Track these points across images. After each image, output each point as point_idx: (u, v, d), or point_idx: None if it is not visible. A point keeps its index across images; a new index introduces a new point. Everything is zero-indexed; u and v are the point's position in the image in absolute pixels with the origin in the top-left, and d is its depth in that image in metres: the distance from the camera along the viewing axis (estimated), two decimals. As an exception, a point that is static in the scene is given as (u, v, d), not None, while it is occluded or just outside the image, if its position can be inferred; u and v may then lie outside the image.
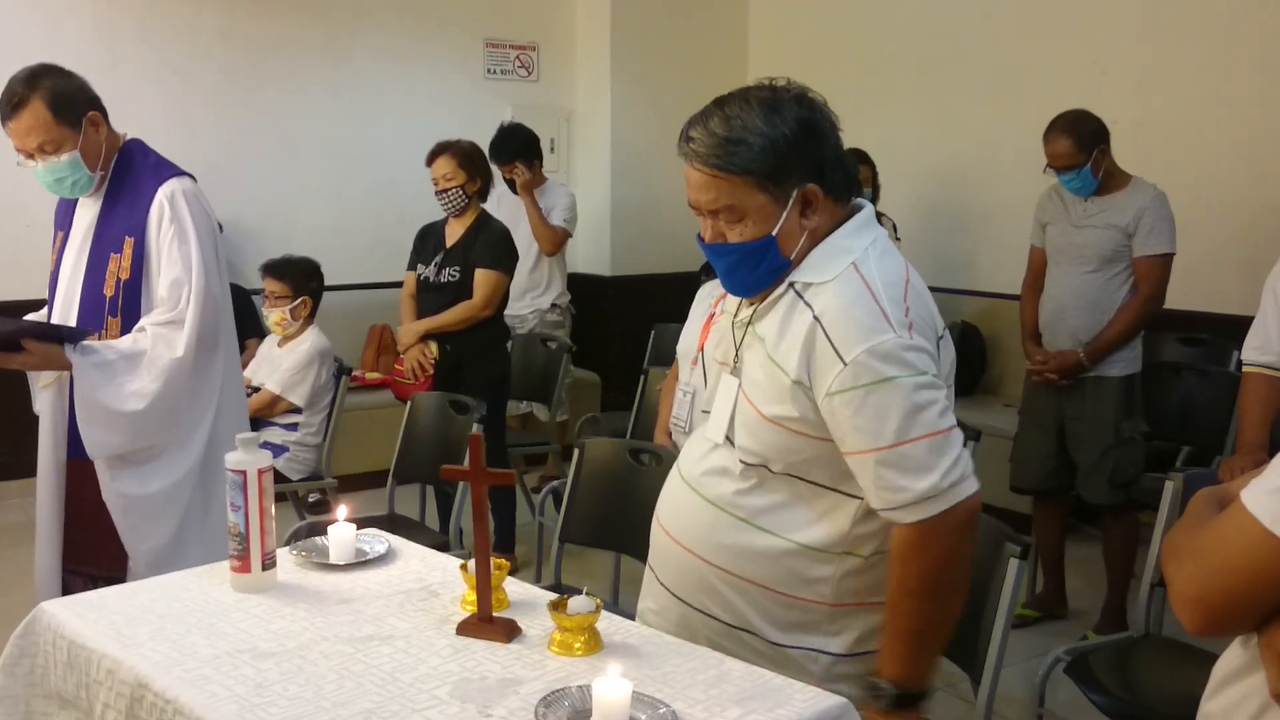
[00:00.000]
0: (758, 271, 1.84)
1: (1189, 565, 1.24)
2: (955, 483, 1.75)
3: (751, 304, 1.92)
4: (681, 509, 1.96)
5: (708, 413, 2.01)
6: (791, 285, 1.84)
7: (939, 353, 1.83)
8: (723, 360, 1.98)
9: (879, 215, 3.05)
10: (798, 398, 1.79)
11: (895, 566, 1.80)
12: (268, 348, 4.60)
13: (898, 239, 4.92)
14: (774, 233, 1.80)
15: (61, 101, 2.67)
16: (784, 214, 1.80)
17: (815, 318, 1.78)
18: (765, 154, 1.76)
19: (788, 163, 1.77)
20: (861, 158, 4.84)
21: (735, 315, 1.96)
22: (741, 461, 1.86)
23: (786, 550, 1.85)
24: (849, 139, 1.96)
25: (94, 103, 2.75)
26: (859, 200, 1.91)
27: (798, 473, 1.84)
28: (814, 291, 1.81)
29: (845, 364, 1.73)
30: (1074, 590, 4.24)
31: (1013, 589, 2.16)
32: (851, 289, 1.78)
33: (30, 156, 2.69)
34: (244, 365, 4.01)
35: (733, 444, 1.88)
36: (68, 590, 2.81)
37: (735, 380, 1.91)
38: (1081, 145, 3.82)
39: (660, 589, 2.01)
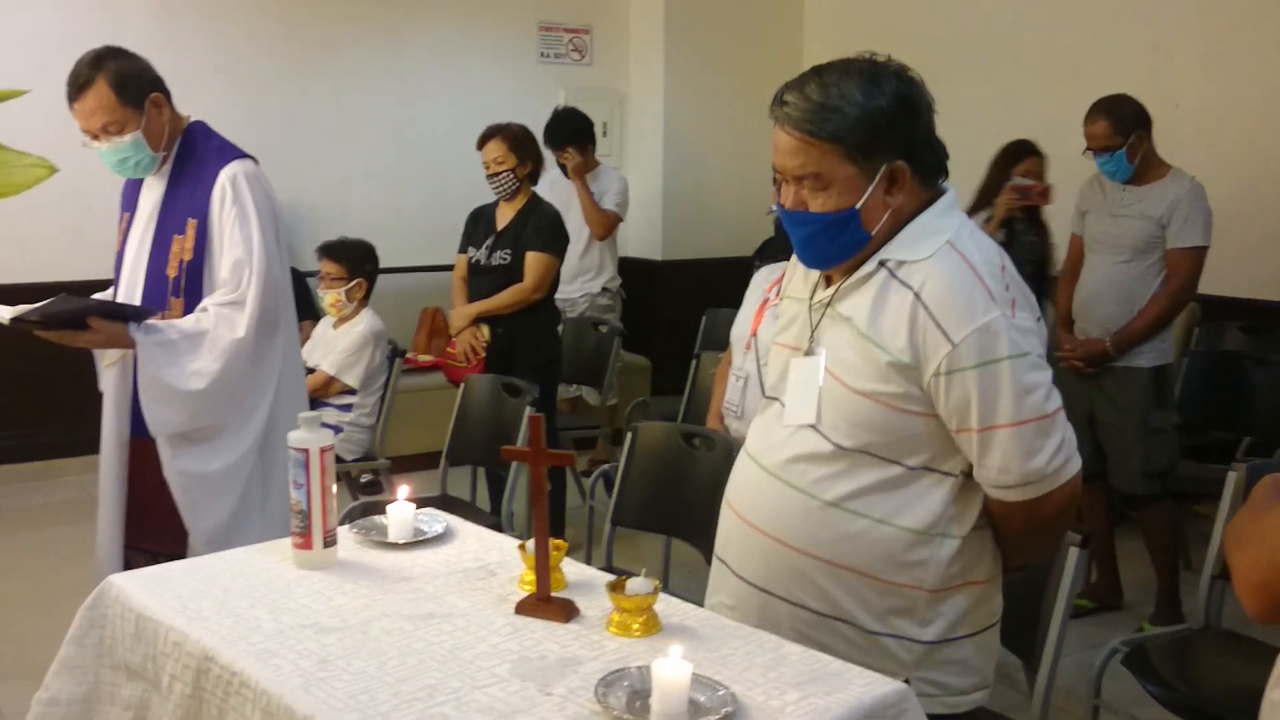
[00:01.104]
0: (837, 243, 1.82)
1: (1252, 551, 1.24)
2: (1060, 466, 1.78)
3: (832, 284, 1.89)
4: (765, 498, 1.91)
5: (775, 399, 1.96)
6: (883, 264, 1.81)
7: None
8: (794, 345, 1.93)
9: None
10: (896, 376, 1.77)
11: (997, 528, 1.87)
12: (323, 329, 4.64)
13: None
14: (858, 205, 1.78)
15: (125, 82, 2.71)
16: (870, 188, 1.78)
17: (916, 295, 1.76)
18: (859, 124, 1.74)
19: (880, 136, 1.76)
20: (1030, 149, 4.52)
21: (811, 298, 1.92)
22: (833, 444, 1.83)
23: (884, 534, 1.81)
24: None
25: (157, 84, 2.79)
26: (944, 184, 1.88)
27: (890, 455, 1.81)
28: (909, 270, 1.79)
29: (954, 344, 1.73)
30: (1128, 581, 4.19)
31: (1072, 578, 2.15)
32: (952, 266, 1.77)
33: (95, 137, 2.73)
34: (299, 346, 4.06)
35: (818, 428, 1.84)
36: (129, 566, 2.86)
37: (817, 360, 1.86)
38: (1118, 127, 3.79)
39: (737, 582, 1.96)
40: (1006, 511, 1.83)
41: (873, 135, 1.75)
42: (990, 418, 1.74)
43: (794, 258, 2.00)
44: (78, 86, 2.70)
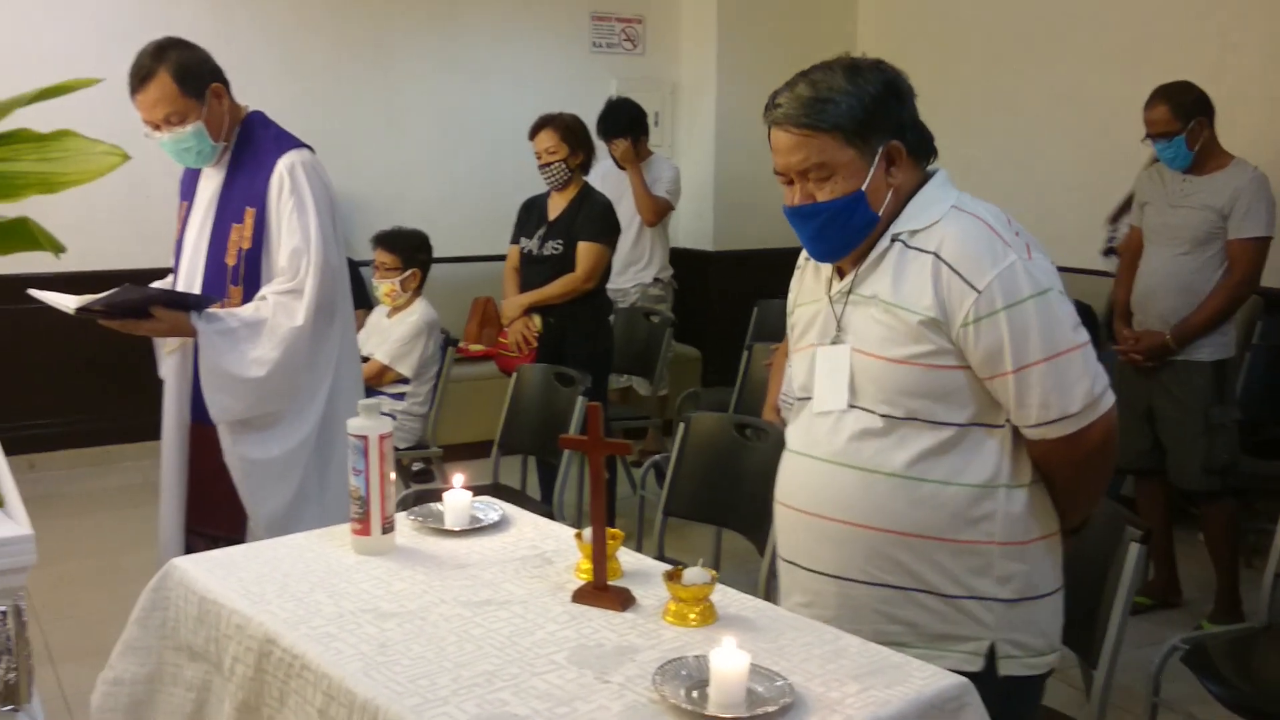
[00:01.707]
0: (849, 228, 1.88)
1: None
2: (1099, 395, 1.84)
3: (848, 273, 1.94)
4: (826, 485, 1.93)
5: (806, 399, 2.00)
6: (896, 239, 1.88)
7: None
8: (819, 340, 1.98)
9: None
10: (928, 334, 1.82)
11: (1046, 478, 1.90)
12: (377, 318, 4.68)
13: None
14: (863, 188, 1.85)
15: (186, 73, 2.74)
16: (871, 169, 1.85)
17: (935, 255, 1.83)
18: (852, 110, 1.83)
19: (874, 118, 1.84)
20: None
21: (829, 291, 1.97)
22: (881, 416, 1.87)
23: (949, 494, 1.85)
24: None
25: (217, 74, 2.82)
26: (934, 166, 1.96)
27: (938, 417, 1.85)
28: (923, 236, 1.86)
29: (979, 291, 1.79)
30: (1186, 578, 4.13)
31: (1132, 575, 2.12)
32: (964, 223, 1.85)
33: (157, 128, 2.77)
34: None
35: (862, 405, 1.88)
36: (189, 550, 2.90)
37: (842, 347, 1.92)
38: (1178, 113, 3.72)
39: (809, 577, 1.97)
40: (1051, 453, 1.86)
41: (867, 118, 1.83)
42: (1024, 356, 1.79)
43: (799, 265, 2.11)
44: (140, 78, 2.73)
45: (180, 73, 2.73)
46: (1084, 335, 1.84)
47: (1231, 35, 4.98)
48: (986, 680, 1.80)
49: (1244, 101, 3.86)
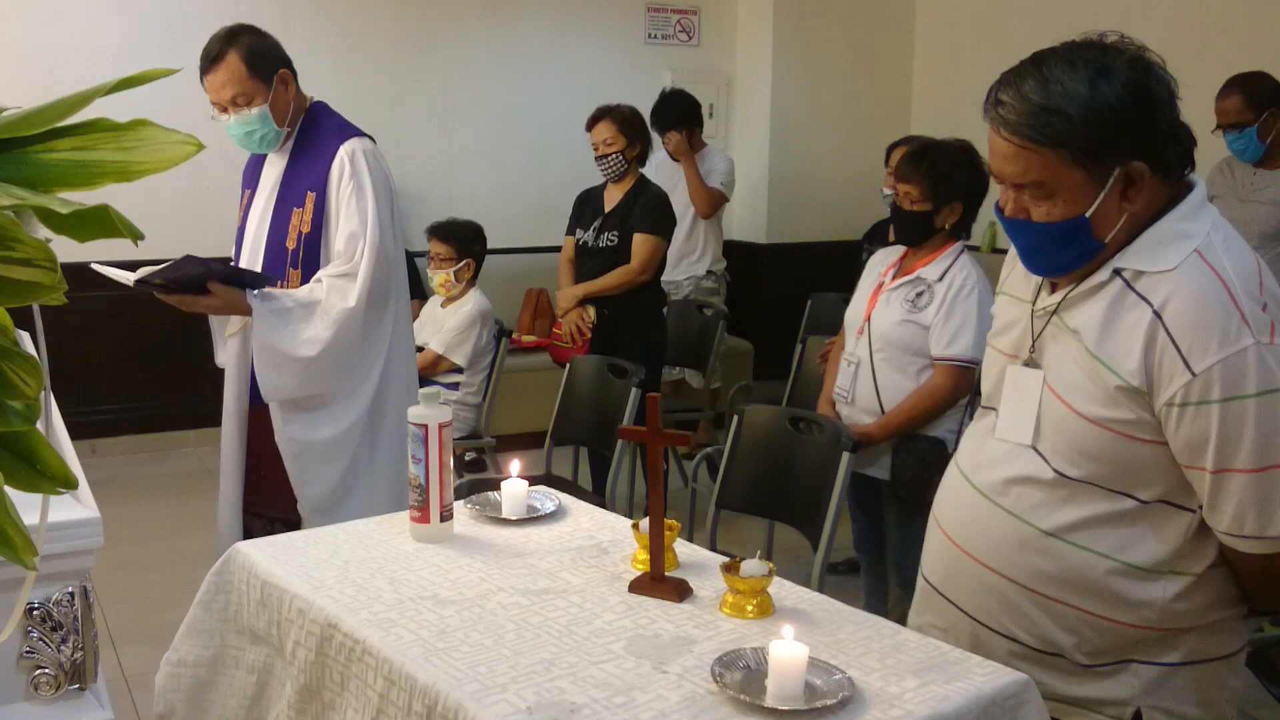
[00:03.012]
0: (1066, 253, 1.64)
1: None
2: None
3: (1057, 291, 1.72)
4: (975, 521, 1.77)
5: (991, 409, 1.82)
6: (1118, 274, 1.62)
7: None
8: (1013, 352, 1.78)
9: None
10: (1127, 401, 1.60)
11: (1236, 573, 1.67)
12: (431, 308, 4.71)
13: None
14: (1088, 214, 1.59)
15: (256, 56, 2.80)
16: (1101, 194, 1.58)
17: (1156, 314, 1.57)
18: (1086, 126, 1.54)
19: (1112, 137, 1.56)
20: (1277, 97, 3.81)
21: (1034, 302, 1.76)
22: (1054, 470, 1.67)
23: (1108, 569, 1.65)
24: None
25: (285, 61, 2.87)
26: (1191, 177, 1.67)
27: (1119, 487, 1.64)
28: (1149, 282, 1.60)
29: (1194, 375, 1.54)
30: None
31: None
32: (1200, 283, 1.56)
33: (224, 110, 2.82)
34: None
35: (1038, 449, 1.70)
36: (248, 531, 2.95)
37: (1037, 374, 1.71)
38: (1251, 103, 3.66)
39: (945, 605, 1.83)
40: (1239, 561, 1.64)
41: (1102, 137, 1.56)
42: (1228, 459, 1.55)
43: (1012, 249, 1.83)
44: (210, 59, 2.79)
45: (250, 55, 2.79)
46: None
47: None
48: None
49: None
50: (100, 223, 0.92)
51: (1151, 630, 1.67)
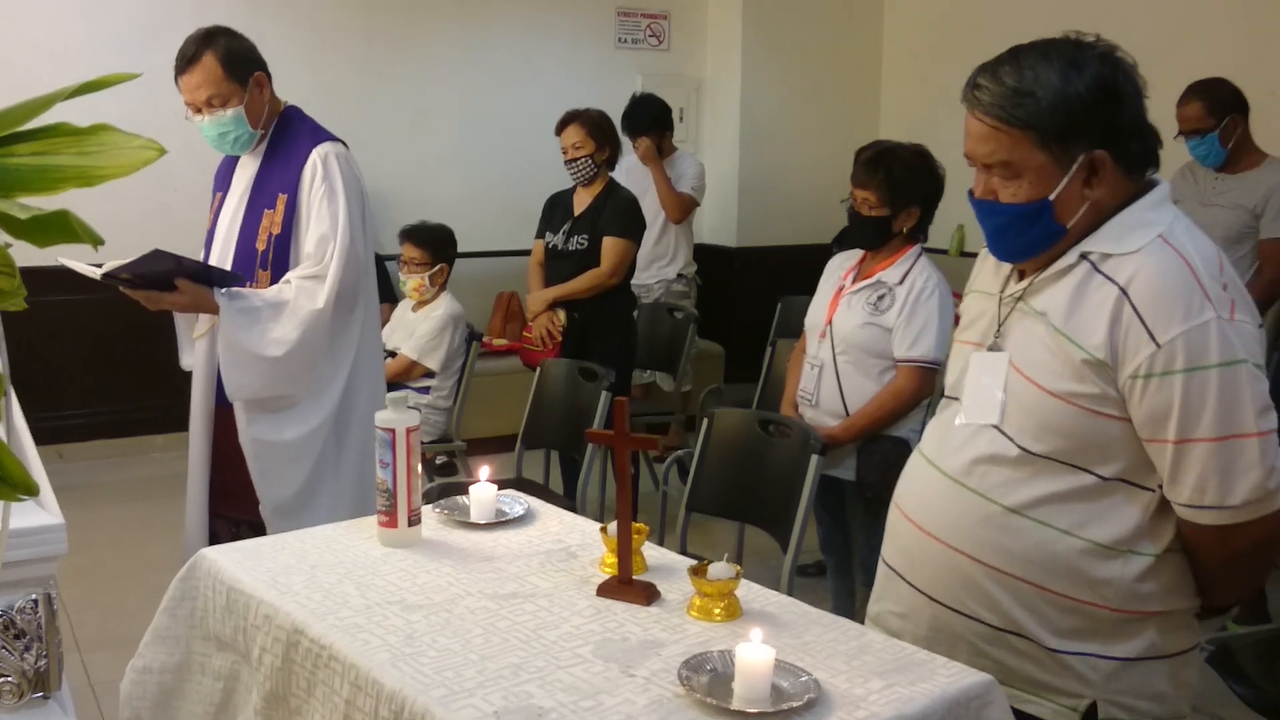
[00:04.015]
0: (1028, 236, 1.71)
1: None
2: (1264, 496, 1.62)
3: (1025, 278, 1.78)
4: (940, 502, 1.80)
5: (954, 399, 1.86)
6: (1085, 257, 1.70)
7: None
8: (978, 341, 1.83)
9: None
10: (1091, 376, 1.65)
11: (1188, 554, 1.72)
12: (402, 312, 4.70)
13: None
14: (1050, 197, 1.67)
15: (232, 58, 2.79)
16: (1065, 178, 1.67)
17: (1122, 291, 1.64)
18: (1054, 111, 1.64)
19: (1078, 123, 1.65)
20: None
21: (1002, 291, 1.82)
22: (1019, 447, 1.72)
23: (1069, 546, 1.69)
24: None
25: (261, 64, 2.87)
26: (1155, 177, 1.76)
27: (1081, 462, 1.69)
28: (1115, 263, 1.67)
29: (1159, 346, 1.60)
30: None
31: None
32: (1165, 262, 1.63)
33: (198, 110, 2.81)
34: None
35: (1002, 428, 1.74)
36: (213, 533, 2.94)
37: (1003, 356, 1.76)
38: (1212, 109, 3.70)
39: (907, 589, 1.85)
40: (1197, 536, 1.68)
41: (1069, 123, 1.64)
42: (1190, 429, 1.60)
43: (983, 250, 1.91)
44: (186, 60, 2.79)
45: (226, 57, 2.79)
46: (1271, 422, 1.62)
47: (1262, 31, 4.94)
48: None
49: (1273, 98, 3.83)
50: (60, 228, 0.91)
51: (1111, 611, 1.71)
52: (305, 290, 2.80)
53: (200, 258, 3.05)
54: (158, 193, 5.39)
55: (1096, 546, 1.69)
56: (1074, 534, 1.70)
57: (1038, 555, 1.71)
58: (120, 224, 5.25)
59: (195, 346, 2.95)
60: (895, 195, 3.18)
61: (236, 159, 2.97)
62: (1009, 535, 1.72)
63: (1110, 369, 1.65)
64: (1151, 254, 1.65)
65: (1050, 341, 1.70)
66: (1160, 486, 1.68)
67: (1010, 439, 1.73)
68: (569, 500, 3.69)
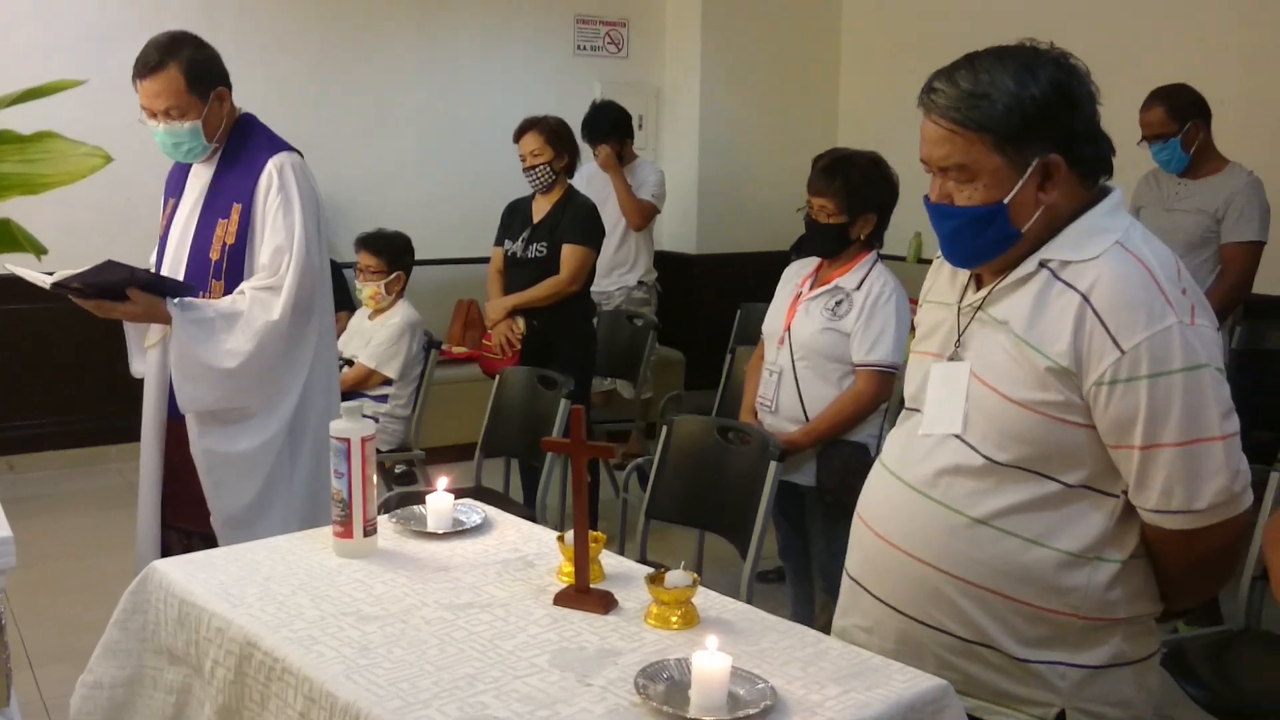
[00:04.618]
0: (982, 239, 1.71)
1: None
2: (1229, 499, 1.64)
3: (983, 287, 1.78)
4: (905, 514, 1.79)
5: (915, 410, 1.85)
6: (1044, 265, 1.70)
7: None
8: (938, 352, 1.83)
9: None
10: (1056, 383, 1.65)
11: (1153, 558, 1.73)
12: (358, 320, 4.67)
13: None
14: (1005, 200, 1.67)
15: (197, 72, 2.75)
16: (1020, 182, 1.67)
17: (1084, 298, 1.64)
18: (1009, 113, 1.64)
19: (1032, 126, 1.65)
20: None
21: (960, 300, 1.82)
22: (983, 457, 1.71)
23: (1035, 556, 1.70)
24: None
25: (224, 78, 2.83)
26: (1109, 184, 1.76)
27: (1046, 470, 1.69)
28: (1075, 271, 1.67)
29: (1123, 352, 1.60)
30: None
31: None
32: (1125, 267, 1.64)
33: (154, 116, 2.77)
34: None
35: (965, 439, 1.73)
36: (165, 545, 2.90)
37: (963, 366, 1.76)
38: (1174, 115, 3.75)
39: (873, 603, 1.84)
40: (1163, 541, 1.69)
41: (1024, 125, 1.65)
42: (1156, 434, 1.61)
43: (936, 260, 1.91)
44: (149, 67, 2.72)
45: (190, 69, 2.74)
46: (1234, 425, 1.63)
47: (1210, 40, 5.02)
48: None
49: (1223, 103, 3.89)
50: (2, 237, 0.90)
51: (1078, 619, 1.71)
52: (260, 301, 2.77)
53: (152, 264, 3.02)
54: (111, 198, 5.32)
55: (1063, 555, 1.70)
56: (1041, 543, 1.70)
57: (1005, 565, 1.71)
58: (74, 229, 5.20)
59: (147, 356, 2.91)
60: (852, 202, 3.21)
61: (189, 165, 2.93)
62: (975, 546, 1.72)
63: (1074, 376, 1.65)
64: (1111, 260, 1.66)
65: (1012, 350, 1.70)
66: (1125, 492, 1.69)
67: (974, 448, 1.73)
68: (529, 509, 3.68)
